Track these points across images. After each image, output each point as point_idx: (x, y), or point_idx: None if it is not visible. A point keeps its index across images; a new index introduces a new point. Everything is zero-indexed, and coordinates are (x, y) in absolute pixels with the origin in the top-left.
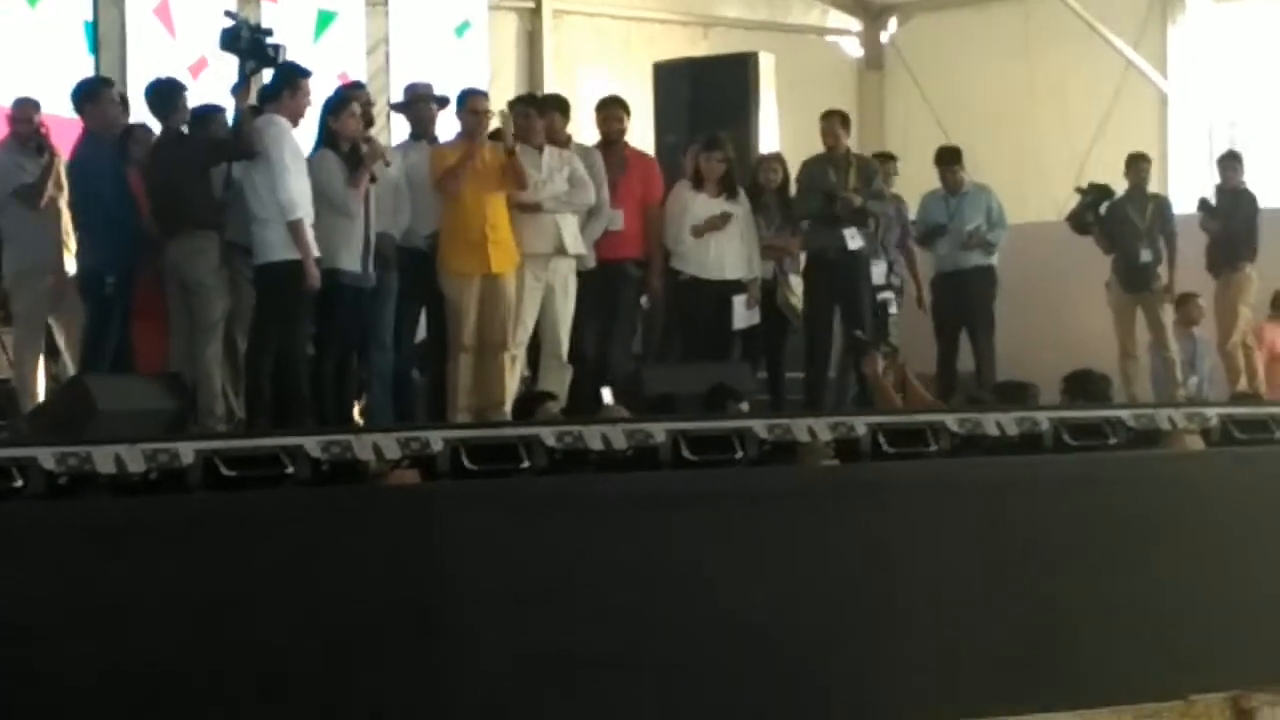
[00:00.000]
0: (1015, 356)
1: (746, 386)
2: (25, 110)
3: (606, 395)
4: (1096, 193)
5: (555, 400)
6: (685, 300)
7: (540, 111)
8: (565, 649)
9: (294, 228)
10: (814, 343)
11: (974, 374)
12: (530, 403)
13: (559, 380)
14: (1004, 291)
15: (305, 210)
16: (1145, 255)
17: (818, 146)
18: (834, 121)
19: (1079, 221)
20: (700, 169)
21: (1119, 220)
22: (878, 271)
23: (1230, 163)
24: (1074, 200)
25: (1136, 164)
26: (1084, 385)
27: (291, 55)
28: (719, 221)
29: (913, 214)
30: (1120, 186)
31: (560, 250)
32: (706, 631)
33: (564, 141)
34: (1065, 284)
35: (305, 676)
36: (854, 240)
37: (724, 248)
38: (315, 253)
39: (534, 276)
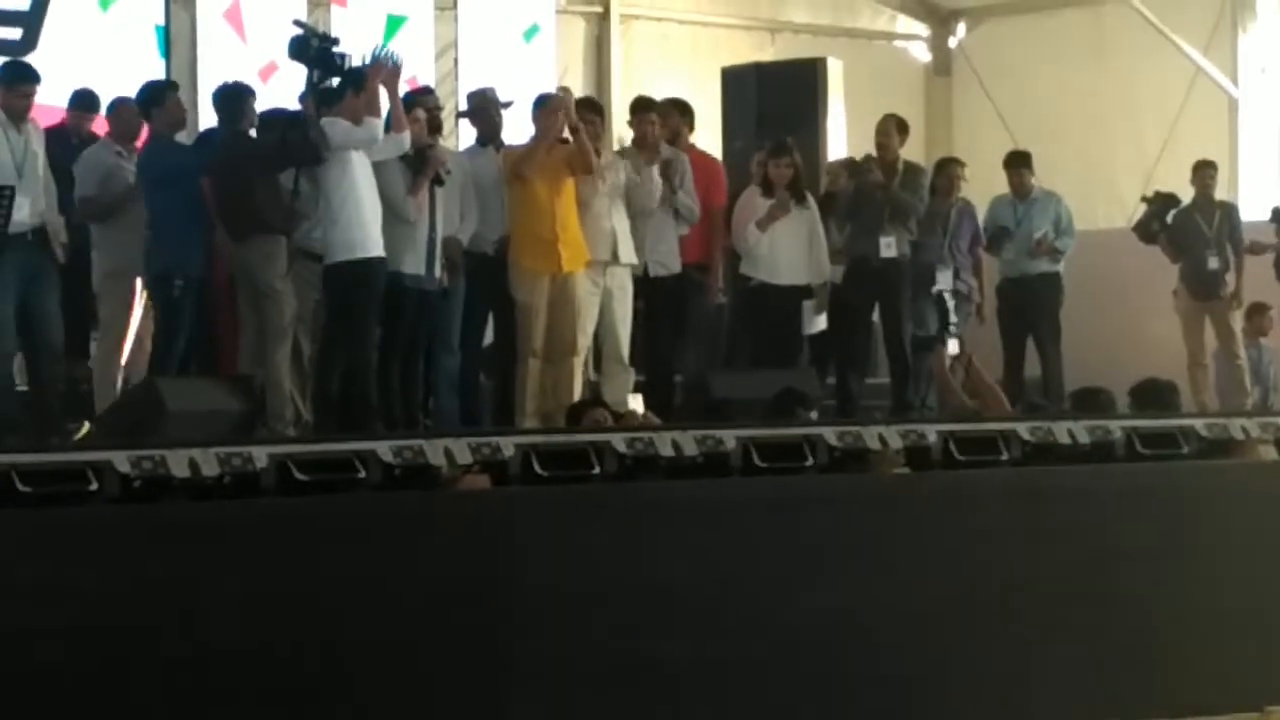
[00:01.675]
0: (1082, 364)
1: (814, 392)
2: (125, 110)
3: (635, 401)
4: (1162, 201)
5: (604, 406)
6: (753, 306)
7: (632, 115)
8: (637, 654)
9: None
10: (856, 347)
11: (1040, 380)
12: (579, 410)
13: (622, 384)
14: (1071, 299)
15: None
16: (1212, 263)
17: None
18: (889, 124)
19: (1145, 230)
20: (768, 175)
21: (1186, 228)
22: (944, 278)
23: None
24: (1141, 209)
25: (1203, 171)
26: (1151, 394)
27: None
28: (779, 211)
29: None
30: (1187, 194)
31: (615, 259)
32: (778, 638)
33: (653, 144)
34: (1133, 292)
35: (376, 679)
36: (889, 248)
37: (793, 253)
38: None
39: (592, 282)
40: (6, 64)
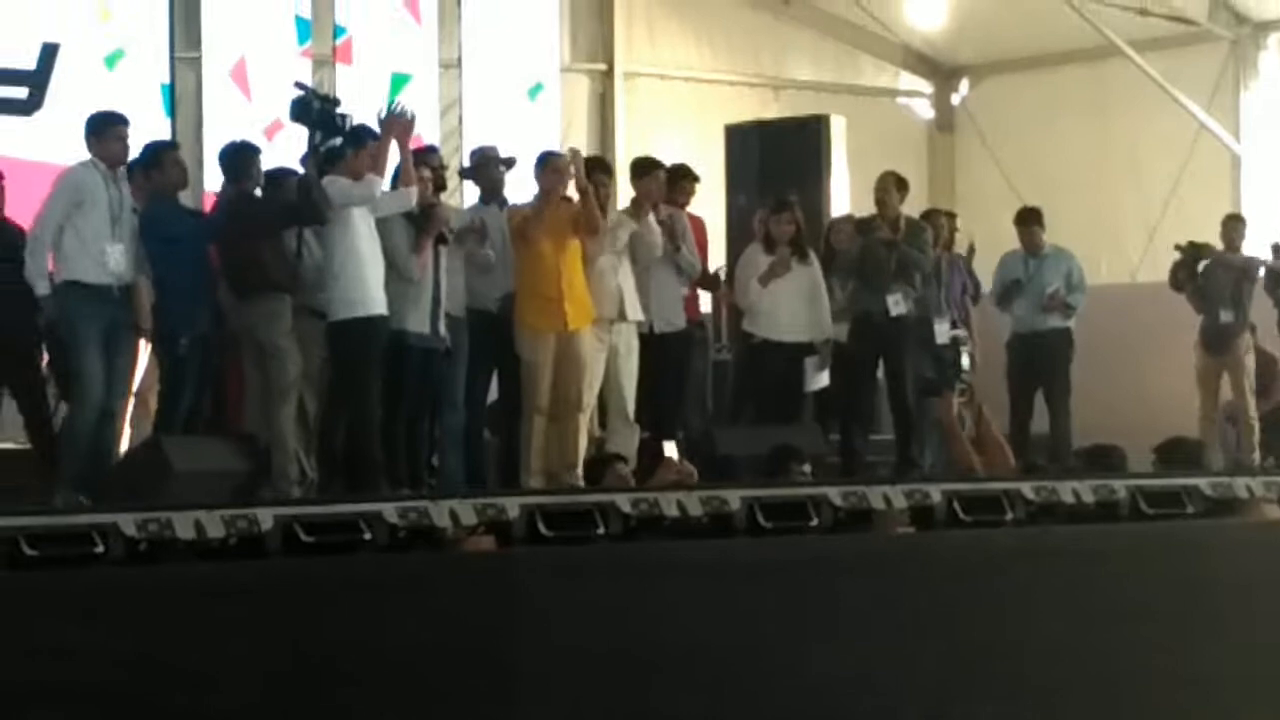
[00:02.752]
0: (1086, 419)
1: (816, 449)
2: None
3: (670, 449)
4: (1193, 251)
5: (624, 461)
6: (755, 362)
7: (643, 176)
8: (642, 714)
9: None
10: (859, 403)
11: (1046, 436)
12: (599, 465)
13: (627, 441)
14: (1076, 354)
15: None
16: (1225, 317)
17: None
18: (888, 181)
19: (1174, 280)
20: (770, 232)
21: (1209, 281)
22: (940, 330)
23: None
24: (1169, 258)
25: (1229, 225)
26: (1178, 452)
27: (366, 118)
28: (780, 268)
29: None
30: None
31: (622, 316)
32: (783, 699)
33: (653, 205)
34: (1137, 347)
35: None
36: (897, 306)
37: (795, 310)
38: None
39: (597, 339)
40: (93, 114)
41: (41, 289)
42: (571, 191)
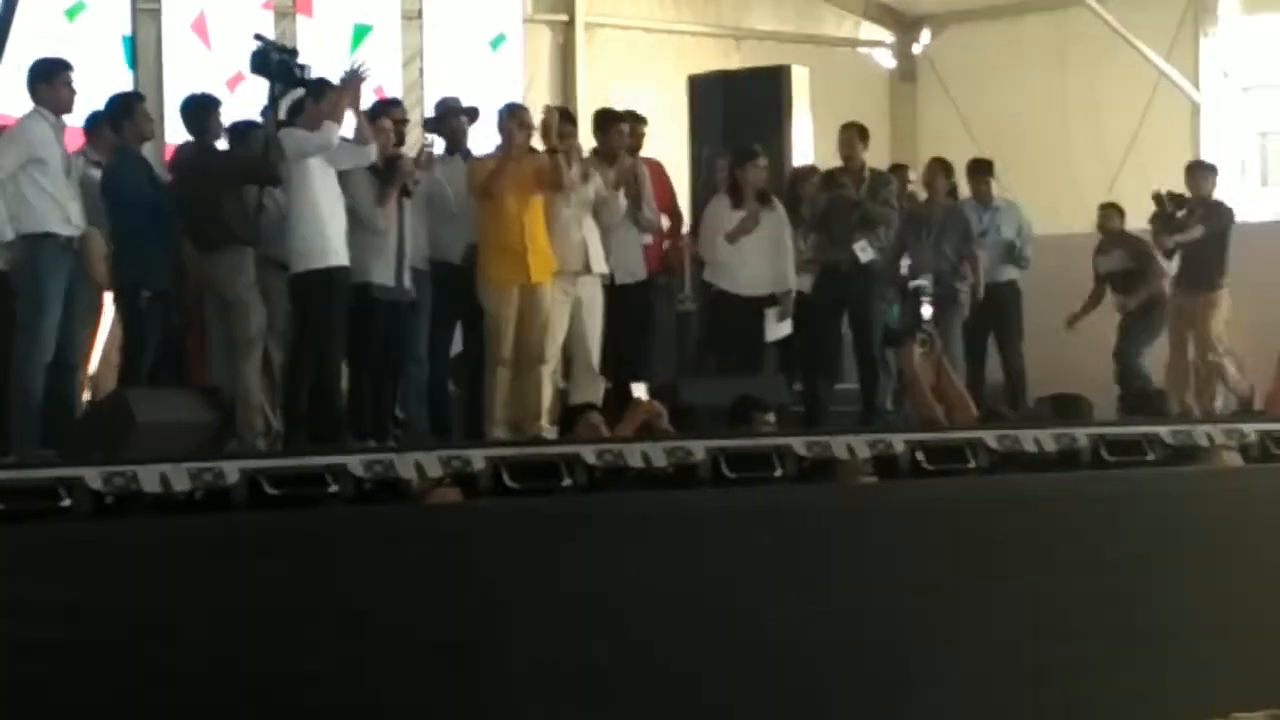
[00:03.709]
0: (1047, 367)
1: (778, 399)
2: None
3: (639, 389)
4: (1171, 201)
5: (597, 410)
6: (717, 313)
7: (602, 125)
8: (605, 666)
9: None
10: (824, 353)
11: (1004, 386)
12: (573, 413)
13: (593, 392)
14: (1035, 303)
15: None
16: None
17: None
18: (852, 133)
19: (1153, 230)
20: (736, 181)
21: (1179, 229)
22: (924, 280)
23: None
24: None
25: (1197, 174)
26: (1140, 400)
27: (327, 70)
28: (749, 224)
29: None
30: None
31: (586, 269)
32: (748, 649)
33: (615, 156)
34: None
35: (348, 694)
36: (864, 253)
37: (756, 261)
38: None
39: (563, 291)
40: (38, 60)
41: (7, 234)
42: (537, 144)
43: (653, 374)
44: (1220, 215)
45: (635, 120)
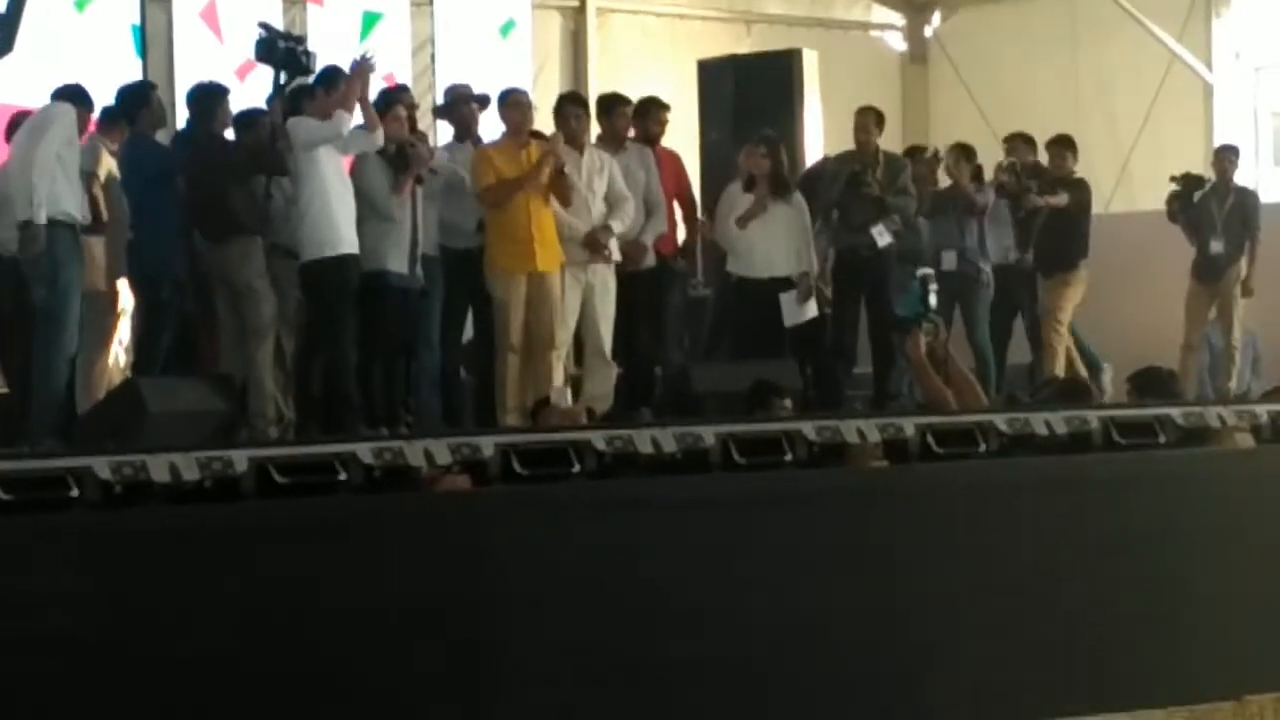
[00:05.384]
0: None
1: (792, 384)
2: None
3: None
4: (1188, 183)
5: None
6: (733, 299)
7: (604, 110)
8: (618, 653)
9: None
10: (841, 338)
11: (1023, 368)
12: (537, 409)
13: (604, 378)
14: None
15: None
16: (1215, 247)
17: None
18: (867, 118)
19: (1169, 210)
20: (750, 169)
21: (1200, 211)
22: (948, 258)
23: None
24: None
25: (1220, 155)
26: (1151, 382)
27: (338, 57)
28: (758, 208)
29: None
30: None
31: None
32: (759, 634)
33: (621, 141)
34: (1110, 276)
35: (359, 681)
36: (882, 237)
37: (771, 246)
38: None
39: (574, 278)
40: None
41: (41, 217)
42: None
43: (666, 361)
44: (1082, 191)
45: (659, 107)
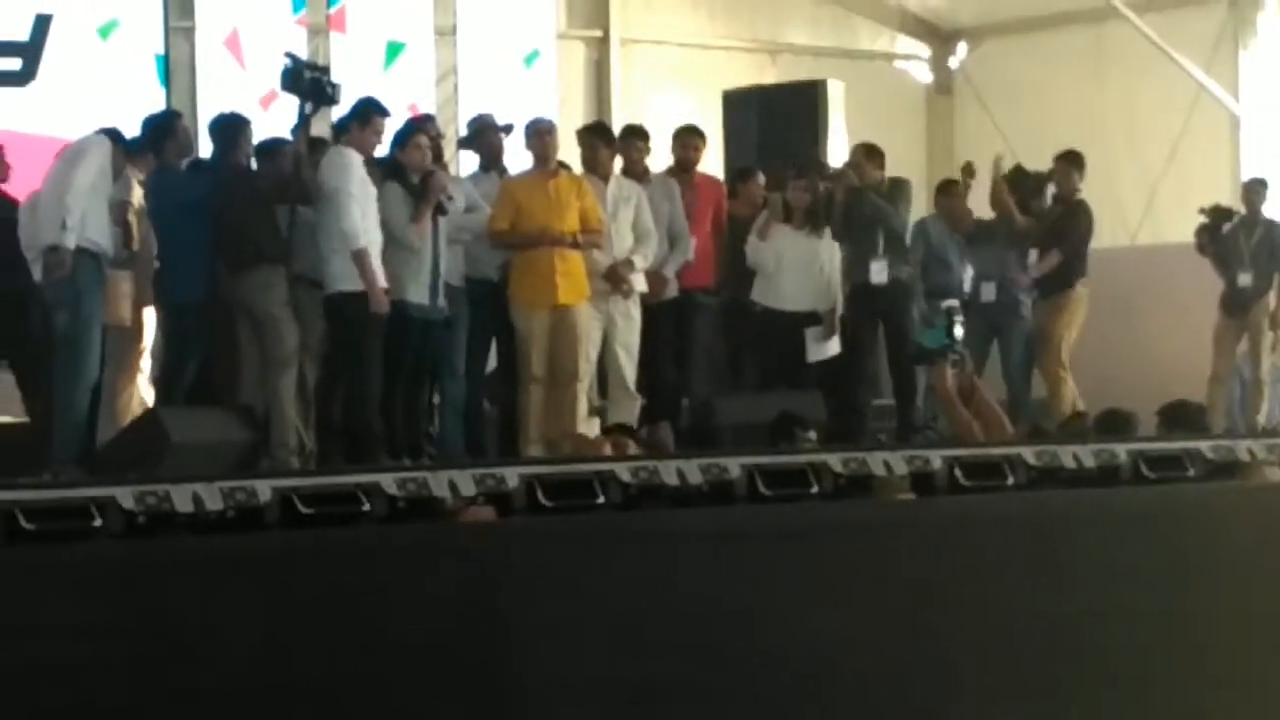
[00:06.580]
0: (1088, 383)
1: (817, 416)
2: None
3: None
4: (1217, 215)
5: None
6: (757, 331)
7: (621, 141)
8: (642, 683)
9: (358, 257)
10: (860, 369)
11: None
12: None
13: (628, 410)
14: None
15: (371, 239)
16: (1243, 279)
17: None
18: (858, 154)
19: (1198, 243)
20: (786, 199)
21: (1229, 244)
22: (988, 289)
23: None
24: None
25: (1250, 189)
26: (1180, 416)
27: (361, 87)
28: (774, 216)
29: None
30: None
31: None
32: (782, 667)
33: (642, 172)
34: (1138, 309)
35: (377, 714)
36: (879, 275)
37: (799, 279)
38: (383, 283)
39: (595, 309)
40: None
41: (70, 242)
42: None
43: (691, 392)
44: (1082, 212)
45: (693, 134)
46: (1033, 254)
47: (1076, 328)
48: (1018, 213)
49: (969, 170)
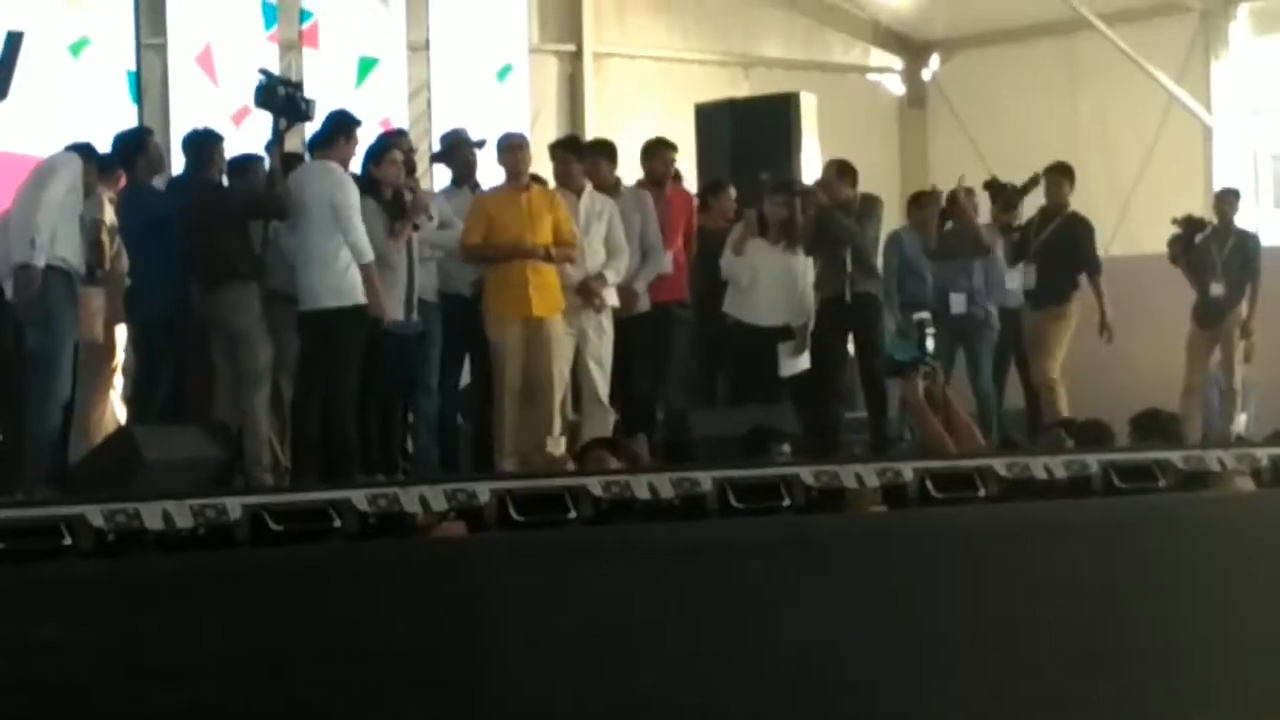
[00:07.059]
0: (1069, 391)
1: (790, 428)
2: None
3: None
4: (1190, 225)
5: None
6: (729, 344)
7: (585, 156)
8: (615, 698)
9: (367, 270)
10: (831, 383)
11: (1019, 413)
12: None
13: (602, 424)
14: None
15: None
16: (1215, 290)
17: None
18: (830, 171)
19: (1170, 253)
20: (763, 213)
21: (1201, 254)
22: (957, 301)
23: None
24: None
25: (1222, 199)
26: (1152, 424)
27: (334, 102)
28: (748, 230)
29: None
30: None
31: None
32: (755, 680)
33: (612, 186)
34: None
35: None
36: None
37: (774, 294)
38: (360, 299)
39: (567, 323)
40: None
41: (40, 260)
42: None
43: (666, 405)
44: (1078, 223)
45: (666, 147)
46: (1018, 266)
47: (1065, 340)
48: (978, 226)
49: (968, 192)
